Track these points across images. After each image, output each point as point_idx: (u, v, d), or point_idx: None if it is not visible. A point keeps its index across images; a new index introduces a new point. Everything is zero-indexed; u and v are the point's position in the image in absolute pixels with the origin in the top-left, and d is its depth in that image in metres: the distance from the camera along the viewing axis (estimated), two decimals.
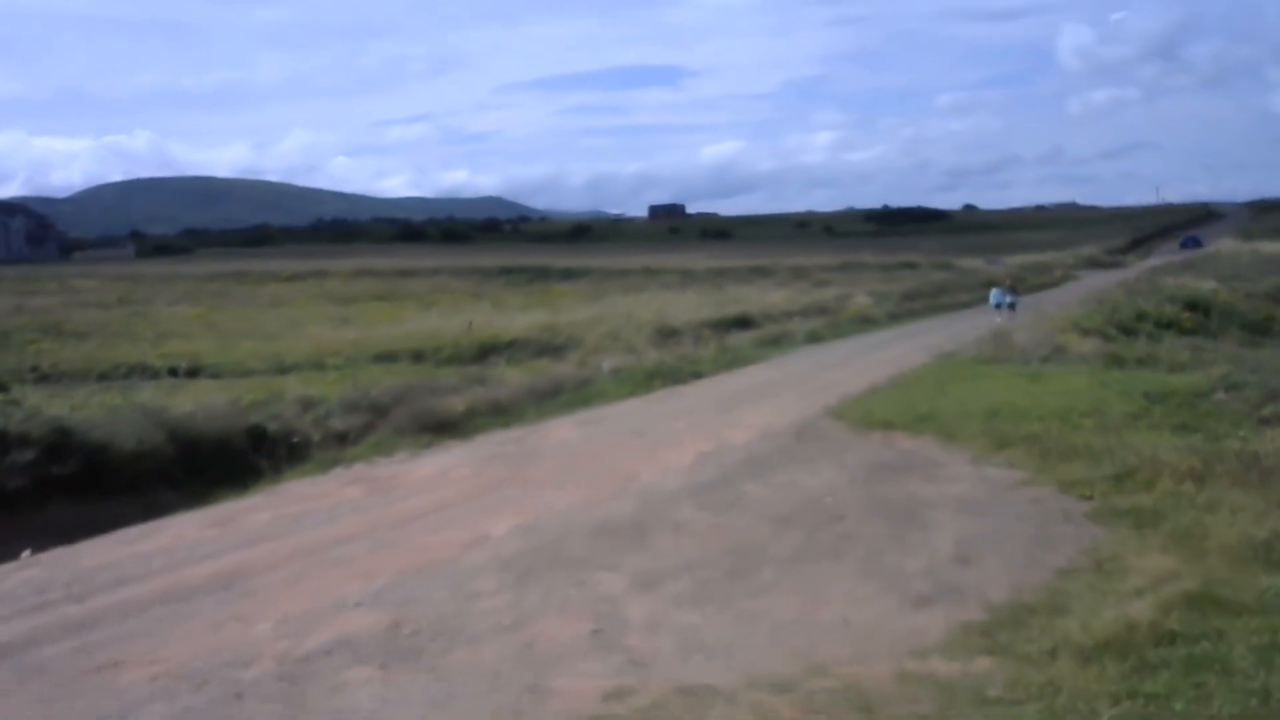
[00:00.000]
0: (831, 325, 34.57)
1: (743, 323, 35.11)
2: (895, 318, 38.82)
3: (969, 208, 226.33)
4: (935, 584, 7.83)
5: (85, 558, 9.66)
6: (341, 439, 15.82)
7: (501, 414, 18.04)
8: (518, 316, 35.88)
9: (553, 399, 19.56)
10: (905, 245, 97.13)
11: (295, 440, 14.67)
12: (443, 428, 16.68)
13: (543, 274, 61.11)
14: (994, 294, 35.03)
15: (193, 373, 27.39)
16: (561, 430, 16.61)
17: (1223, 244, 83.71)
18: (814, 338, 31.70)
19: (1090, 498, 10.11)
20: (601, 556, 8.70)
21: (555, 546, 9.05)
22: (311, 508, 11.50)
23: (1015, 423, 14.31)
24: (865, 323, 36.41)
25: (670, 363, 24.01)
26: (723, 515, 9.86)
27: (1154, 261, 67.70)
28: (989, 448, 12.86)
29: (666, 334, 31.60)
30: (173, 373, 27.18)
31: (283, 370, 26.95)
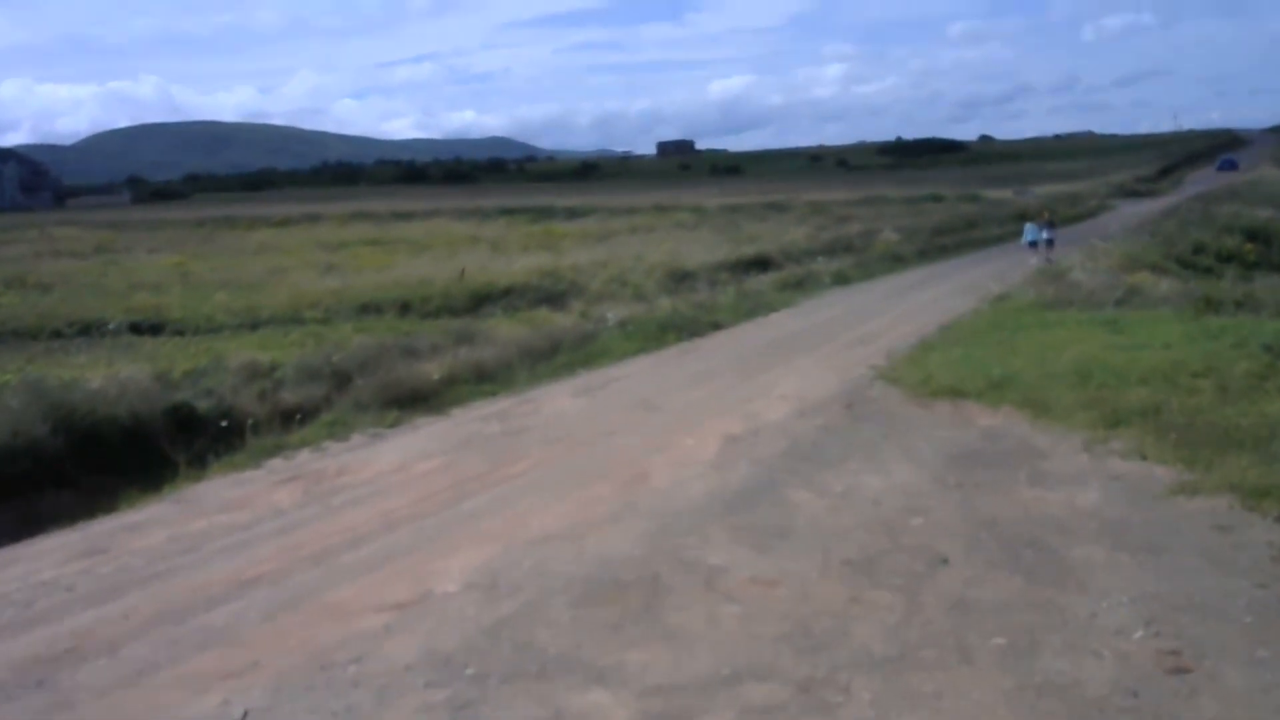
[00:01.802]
0: (859, 265, 31.57)
1: (762, 263, 32.09)
2: (925, 255, 35.78)
3: (985, 138, 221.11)
4: None
5: None
6: (291, 416, 13.06)
7: (487, 380, 15.25)
8: (516, 260, 32.85)
9: (549, 359, 16.75)
10: (924, 178, 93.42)
11: (225, 424, 11.90)
12: (415, 400, 13.91)
13: (546, 214, 57.81)
14: (1029, 229, 31.38)
15: (155, 329, 24.66)
16: (556, 401, 13.84)
17: (1262, 170, 79.83)
18: (841, 279, 28.80)
19: None
20: (592, 649, 5.76)
21: (522, 624, 6.14)
22: (221, 524, 8.77)
23: (1117, 389, 11.48)
24: (895, 261, 33.40)
25: (685, 312, 21.15)
26: (770, 556, 7.01)
27: (1192, 189, 64.08)
28: (1098, 426, 10.03)
29: (679, 277, 28.71)
30: (134, 329, 24.50)
31: (255, 325, 24.17)
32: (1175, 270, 26.79)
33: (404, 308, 26.25)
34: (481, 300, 26.77)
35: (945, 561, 6.64)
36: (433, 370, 14.74)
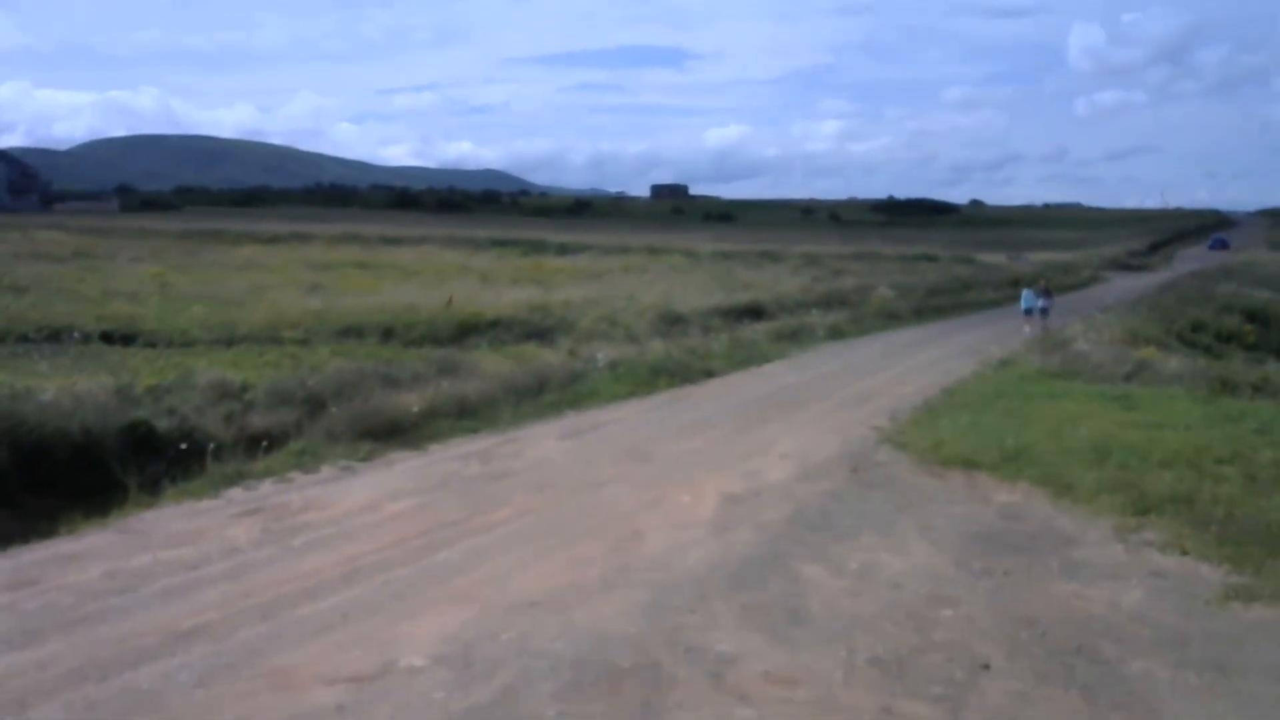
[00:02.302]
0: (854, 320, 30.94)
1: (755, 312, 31.42)
2: (920, 314, 35.21)
3: (976, 202, 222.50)
4: None
5: None
6: (258, 442, 12.21)
7: (469, 415, 14.44)
8: (506, 293, 32.10)
9: (535, 397, 15.95)
10: (916, 237, 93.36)
11: (184, 446, 11.02)
12: (391, 432, 13.09)
13: (538, 248, 57.11)
14: (1026, 296, 30.50)
15: (127, 339, 23.76)
16: (542, 443, 13.04)
17: (1255, 252, 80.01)
18: (836, 333, 28.12)
19: None
20: None
21: (499, 717, 5.26)
22: (166, 560, 7.92)
23: (1139, 471, 10.75)
24: (890, 318, 32.80)
25: (677, 356, 20.41)
26: (786, 645, 6.16)
27: (1184, 266, 63.99)
28: (1126, 512, 9.29)
29: (671, 320, 27.99)
30: (105, 338, 23.61)
31: (230, 341, 23.30)
32: (1176, 347, 26.24)
33: (387, 333, 25.44)
34: (467, 331, 25.98)
35: (986, 667, 5.83)
36: (412, 402, 13.92)
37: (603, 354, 19.24)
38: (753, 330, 27.10)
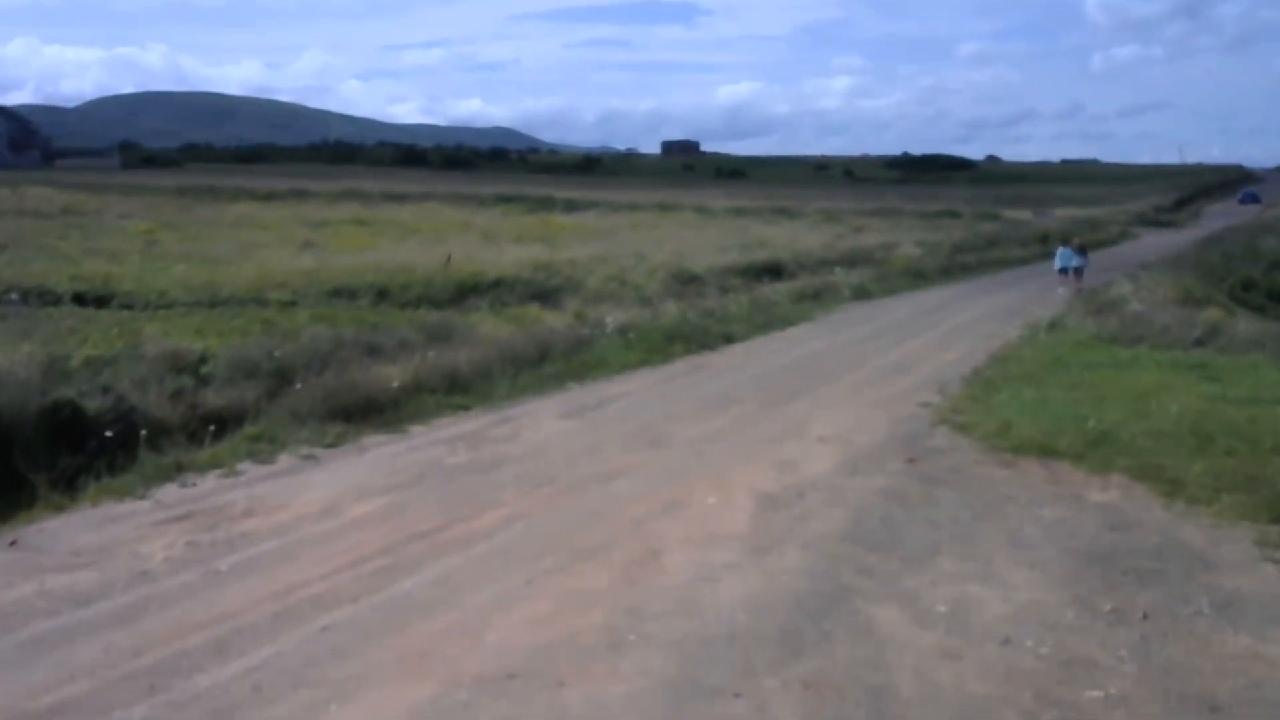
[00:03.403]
0: (879, 278, 29.03)
1: (774, 270, 29.53)
2: (948, 272, 33.29)
3: (992, 158, 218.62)
4: None
5: None
6: (211, 424, 10.48)
7: (460, 390, 12.67)
8: (509, 251, 30.16)
9: (535, 367, 14.17)
10: (933, 194, 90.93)
11: (110, 434, 9.27)
12: (368, 411, 11.34)
13: (545, 205, 55.06)
14: (1061, 254, 28.26)
15: (101, 300, 22.01)
16: (541, 423, 11.29)
17: None
18: (861, 293, 26.28)
19: None
20: None
21: None
22: (56, 589, 6.21)
23: (1253, 459, 8.95)
24: (916, 277, 30.88)
25: (693, 320, 18.61)
26: None
27: (1217, 221, 61.67)
28: (1259, 517, 7.49)
29: (685, 280, 26.13)
30: (78, 299, 21.87)
31: (213, 303, 21.51)
32: (1231, 307, 24.33)
33: (381, 294, 23.58)
34: (467, 292, 24.13)
35: None
36: (394, 375, 12.13)
37: (612, 317, 17.44)
38: (773, 290, 25.28)
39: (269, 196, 56.61)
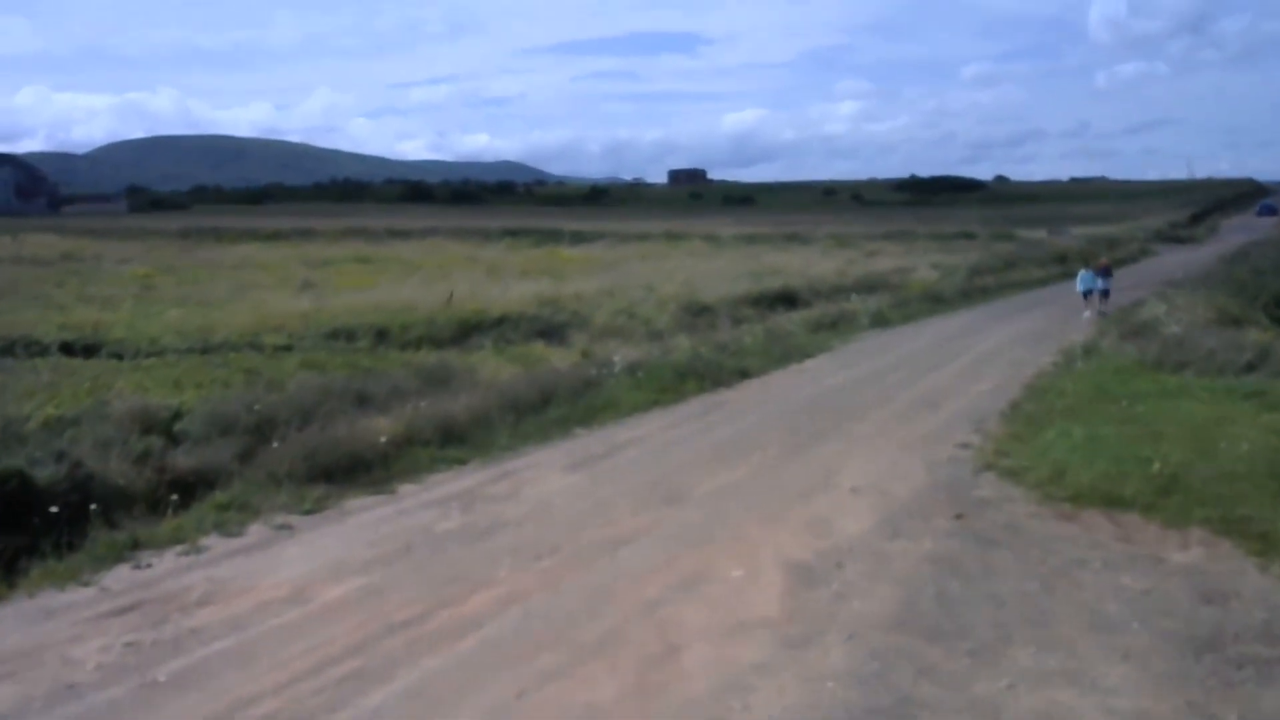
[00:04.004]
0: (897, 305, 27.98)
1: (788, 299, 28.54)
2: (967, 296, 32.22)
3: (1001, 178, 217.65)
4: None
5: None
6: (179, 489, 9.49)
7: (456, 441, 11.65)
8: (514, 286, 29.22)
9: (539, 413, 13.15)
10: (944, 215, 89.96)
11: (55, 509, 8.28)
12: (354, 468, 10.33)
13: (552, 237, 54.17)
14: (1084, 277, 26.74)
15: (90, 349, 21.12)
16: (544, 477, 10.27)
17: None
18: (880, 320, 25.24)
19: None
20: None
21: None
22: None
23: None
24: (935, 301, 29.83)
25: (706, 355, 17.57)
26: None
27: (1235, 237, 60.42)
28: None
29: (696, 311, 25.18)
30: (66, 349, 20.99)
31: (206, 349, 20.62)
32: (1269, 326, 23.22)
33: (380, 335, 22.67)
34: (470, 330, 23.19)
35: None
36: (382, 428, 11.13)
37: (620, 355, 16.42)
38: (788, 320, 24.29)
39: (273, 236, 55.91)
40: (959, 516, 8.25)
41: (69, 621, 6.55)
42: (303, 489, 9.54)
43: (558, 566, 7.42)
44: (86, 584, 7.25)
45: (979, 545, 7.47)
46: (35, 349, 20.95)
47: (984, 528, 7.92)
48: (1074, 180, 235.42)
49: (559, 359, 17.86)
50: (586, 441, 12.09)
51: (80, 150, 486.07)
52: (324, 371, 15.14)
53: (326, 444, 10.45)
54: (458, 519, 8.82)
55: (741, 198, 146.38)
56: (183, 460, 10.10)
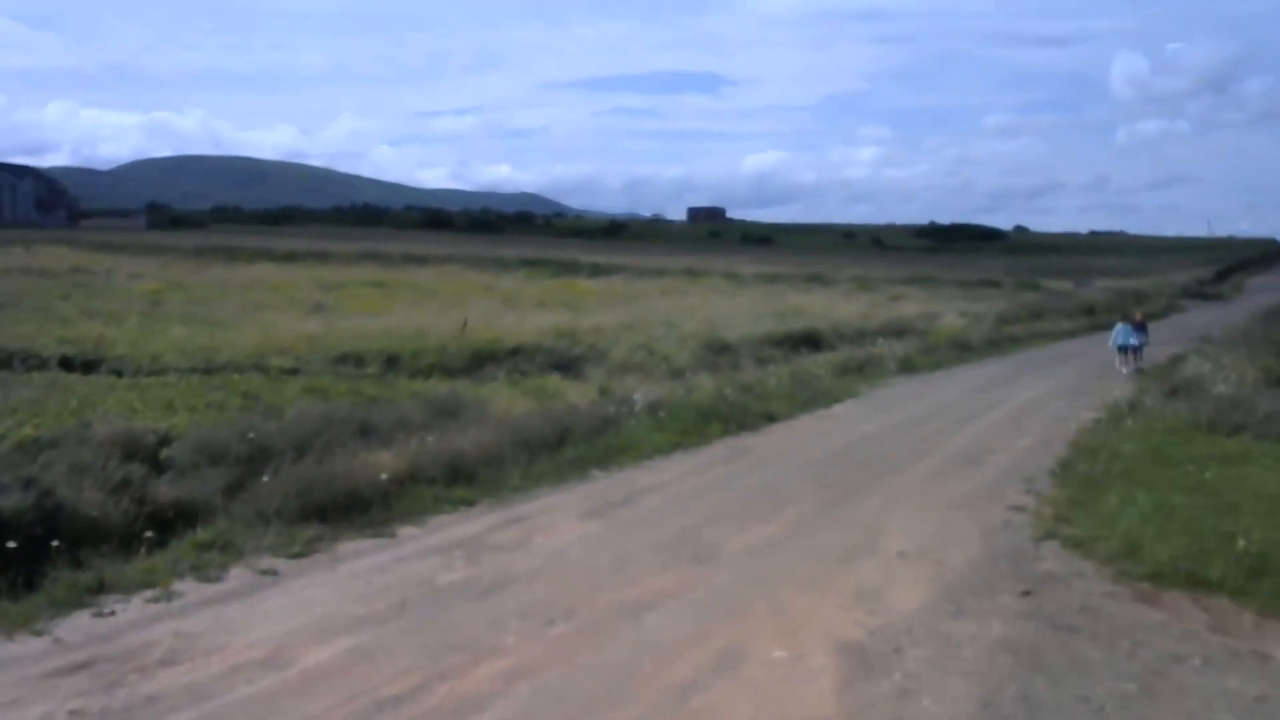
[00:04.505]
0: (925, 351, 27.06)
1: (811, 341, 27.67)
2: (995, 345, 31.28)
3: (1020, 228, 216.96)
4: None
5: None
6: (158, 524, 8.62)
7: (464, 480, 10.77)
8: (530, 316, 28.43)
9: (553, 452, 12.28)
10: (966, 263, 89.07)
11: (13, 544, 7.41)
12: (351, 507, 9.45)
13: (569, 269, 53.46)
14: (1119, 331, 25.40)
15: (90, 365, 20.35)
16: (558, 525, 9.38)
17: None
18: (908, 366, 24.31)
19: None
20: None
21: None
22: None
23: None
24: (963, 350, 28.88)
25: (730, 396, 16.67)
26: None
27: (1263, 297, 59.38)
28: None
29: (717, 350, 24.35)
30: (64, 364, 20.23)
31: (209, 369, 19.84)
32: None
33: (390, 362, 21.84)
34: (483, 359, 22.36)
35: None
36: (384, 464, 10.26)
37: (640, 393, 15.54)
38: (813, 363, 23.35)
39: (288, 257, 55.43)
40: (1026, 594, 7.31)
41: (10, 680, 5.67)
42: (293, 529, 8.67)
43: (573, 635, 6.51)
44: (39, 633, 6.38)
45: (1056, 631, 6.53)
46: (33, 362, 20.20)
47: (1057, 609, 6.98)
48: (1093, 233, 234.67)
49: (575, 394, 17.01)
50: (604, 485, 11.21)
51: (105, 166, 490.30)
52: (327, 398, 14.31)
53: (323, 479, 9.58)
54: (461, 570, 7.93)
55: (760, 237, 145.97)
56: (165, 491, 9.25)
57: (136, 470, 9.40)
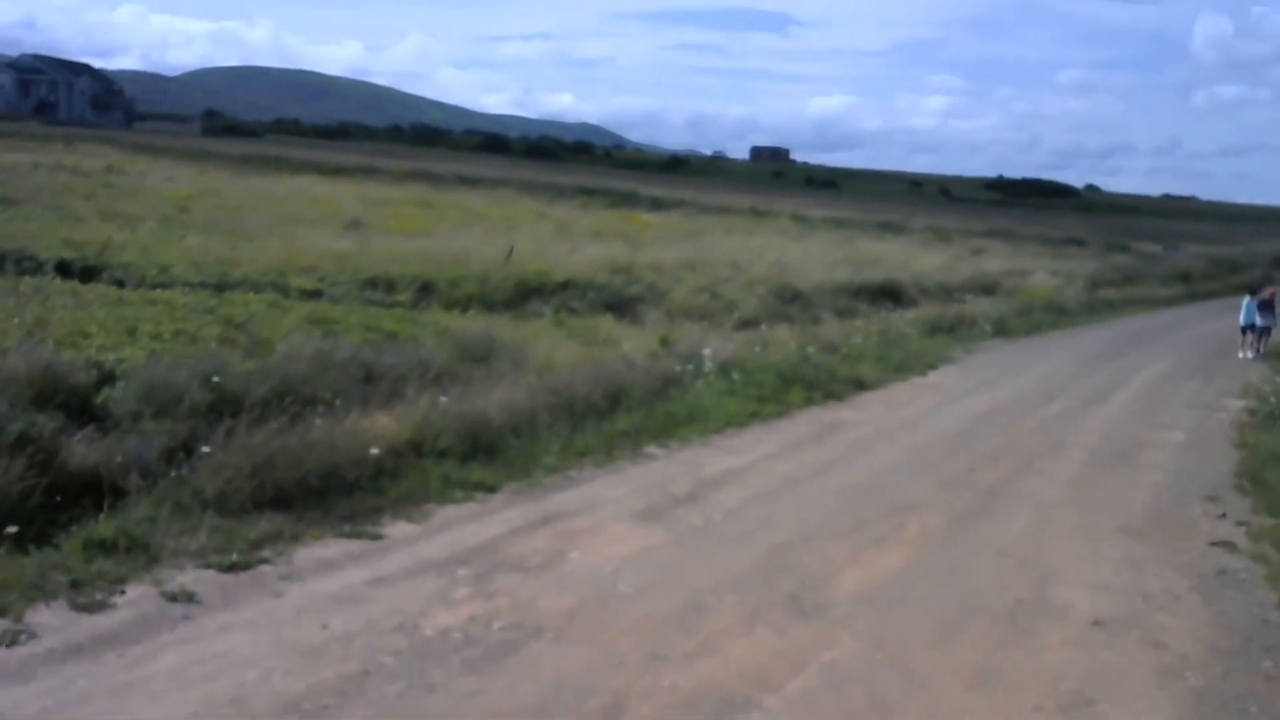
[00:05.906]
0: (1019, 313, 24.19)
1: (891, 293, 24.90)
2: (1092, 310, 28.39)
3: (1092, 187, 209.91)
4: None
5: None
6: (62, 499, 6.26)
7: (484, 451, 8.30)
8: (584, 248, 25.73)
9: (601, 419, 9.78)
10: (1042, 219, 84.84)
11: None
12: (326, 491, 7.01)
13: (628, 200, 50.51)
14: (1247, 308, 21.89)
15: (90, 272, 18.12)
16: (602, 531, 6.92)
17: None
18: (1002, 329, 21.61)
19: None
20: None
21: None
22: None
23: None
24: (1058, 313, 26.02)
25: (814, 358, 14.03)
26: None
27: None
28: None
29: (788, 298, 21.74)
30: (62, 269, 18.02)
31: (222, 285, 17.53)
32: None
33: (424, 289, 19.34)
34: (529, 293, 19.84)
35: None
36: (379, 428, 7.80)
37: (710, 349, 12.93)
38: (897, 320, 20.60)
39: (334, 171, 53.01)
40: None
41: None
42: (239, 522, 6.25)
43: None
44: None
45: None
46: (27, 265, 17.96)
47: None
48: (1166, 197, 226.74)
49: (631, 340, 14.46)
50: (665, 469, 8.72)
51: (172, 73, 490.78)
52: (334, 330, 11.85)
53: (292, 449, 7.12)
54: (464, 607, 5.48)
55: (825, 181, 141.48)
56: (79, 453, 6.86)
57: (45, 423, 7.00)
